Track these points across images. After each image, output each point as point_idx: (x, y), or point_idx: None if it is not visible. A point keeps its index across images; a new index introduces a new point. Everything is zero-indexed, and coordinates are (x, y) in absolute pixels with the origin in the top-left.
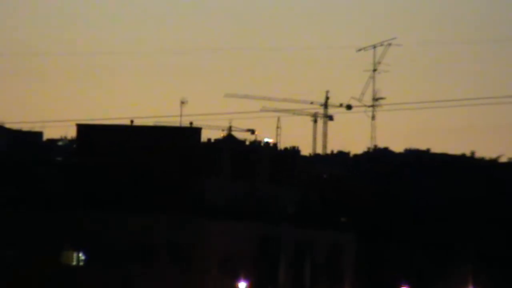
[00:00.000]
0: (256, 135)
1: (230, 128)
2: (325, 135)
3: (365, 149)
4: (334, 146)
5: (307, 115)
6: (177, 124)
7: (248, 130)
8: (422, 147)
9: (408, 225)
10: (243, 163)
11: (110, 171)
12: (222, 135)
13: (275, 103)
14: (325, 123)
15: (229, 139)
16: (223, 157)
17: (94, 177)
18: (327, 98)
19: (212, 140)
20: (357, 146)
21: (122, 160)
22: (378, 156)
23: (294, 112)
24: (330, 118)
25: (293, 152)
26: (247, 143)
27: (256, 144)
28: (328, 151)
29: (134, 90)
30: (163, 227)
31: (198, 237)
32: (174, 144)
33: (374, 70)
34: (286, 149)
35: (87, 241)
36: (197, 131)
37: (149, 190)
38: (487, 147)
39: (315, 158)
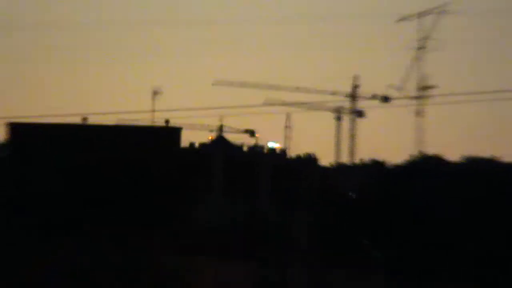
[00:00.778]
0: (257, 137)
1: (221, 129)
2: (352, 138)
3: (408, 158)
4: (364, 153)
5: (327, 110)
6: (149, 123)
7: (247, 132)
8: (486, 154)
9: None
10: (239, 176)
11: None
12: (210, 138)
13: (283, 94)
14: (352, 122)
15: (220, 143)
16: (212, 168)
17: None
18: (356, 87)
19: (197, 145)
20: (396, 153)
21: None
22: (426, 168)
23: (309, 106)
24: (360, 114)
25: (308, 161)
26: (245, 148)
27: (257, 150)
28: (357, 160)
29: (90, 79)
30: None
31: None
32: (143, 151)
33: (421, 47)
34: (298, 157)
35: None
36: (175, 132)
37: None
38: None
39: (339, 169)
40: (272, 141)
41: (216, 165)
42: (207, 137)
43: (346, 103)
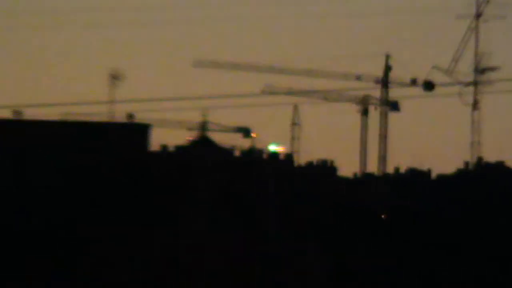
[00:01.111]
0: (253, 138)
1: (204, 126)
2: (383, 138)
3: (461, 166)
4: (401, 159)
5: (349, 101)
6: (106, 118)
7: (239, 130)
8: None
9: None
10: (230, 191)
11: None
12: (189, 138)
13: (288, 80)
14: (383, 116)
15: (204, 146)
16: (193, 179)
17: None
18: (388, 69)
19: (171, 149)
20: (444, 159)
21: None
22: (486, 178)
23: (324, 95)
24: (394, 106)
25: (323, 171)
26: (237, 153)
27: (254, 155)
28: (390, 170)
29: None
30: None
31: None
32: (95, 155)
33: (479, 15)
34: (310, 164)
35: None
36: (143, 130)
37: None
38: None
39: (366, 182)
40: (274, 143)
41: (196, 176)
42: (185, 137)
43: (375, 92)
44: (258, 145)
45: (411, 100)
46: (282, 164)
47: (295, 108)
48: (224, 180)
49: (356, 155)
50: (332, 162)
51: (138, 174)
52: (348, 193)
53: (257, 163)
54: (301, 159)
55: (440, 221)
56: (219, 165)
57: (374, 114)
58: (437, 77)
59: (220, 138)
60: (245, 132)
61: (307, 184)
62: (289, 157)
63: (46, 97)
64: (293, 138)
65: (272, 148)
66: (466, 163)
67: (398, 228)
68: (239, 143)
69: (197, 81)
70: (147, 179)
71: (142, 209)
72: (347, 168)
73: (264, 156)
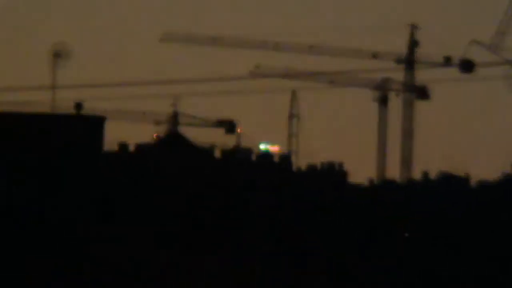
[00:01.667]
0: (239, 135)
1: (175, 119)
2: (407, 134)
3: (507, 169)
4: (431, 162)
5: (363, 86)
6: (46, 108)
7: (221, 124)
8: None
9: None
10: (206, 205)
11: None
12: (156, 135)
13: (283, 58)
14: (408, 106)
15: (174, 145)
16: (158, 188)
17: None
18: (414, 44)
19: (132, 148)
20: (487, 161)
21: None
22: None
23: (331, 79)
24: (422, 93)
25: (330, 177)
26: (217, 155)
27: (240, 156)
28: (417, 175)
29: None
30: None
31: None
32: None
33: None
34: (312, 168)
35: None
36: (95, 124)
37: None
38: None
39: (385, 191)
40: (265, 141)
41: (167, 181)
42: (152, 134)
43: (397, 74)
44: (246, 144)
45: (443, 84)
46: (276, 168)
47: (293, 95)
48: (198, 189)
49: (372, 156)
50: (341, 165)
51: (88, 181)
52: (362, 206)
53: (244, 167)
54: (302, 162)
55: (482, 239)
56: (193, 169)
57: (395, 103)
58: (477, 55)
59: (196, 135)
60: (228, 126)
61: (308, 193)
62: (285, 159)
63: None
64: (290, 135)
65: (263, 147)
66: None
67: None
68: (221, 140)
69: (166, 61)
70: (99, 186)
71: (93, 228)
72: (361, 173)
73: (253, 157)
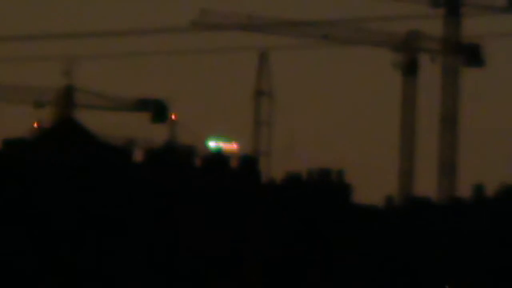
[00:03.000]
0: (173, 122)
1: (68, 97)
2: (448, 122)
3: None
4: (484, 169)
5: (376, 45)
6: None
7: (144, 105)
8: None
9: None
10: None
11: None
12: (36, 124)
13: (242, 2)
14: (450, 76)
15: (67, 139)
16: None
17: None
18: None
19: None
20: None
21: None
22: None
23: (322, 33)
24: (473, 56)
25: (327, 195)
26: (138, 156)
27: (175, 157)
28: (465, 191)
29: None
30: None
31: None
32: None
33: None
34: (293, 179)
35: None
36: None
37: None
38: None
39: (413, 217)
40: (216, 135)
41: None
42: (30, 122)
43: (431, 26)
44: (186, 139)
45: (506, 42)
46: (233, 178)
47: (263, 58)
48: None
49: (391, 159)
50: (341, 173)
51: None
52: (372, 239)
53: (183, 175)
54: (276, 168)
55: None
56: (99, 180)
57: (429, 72)
58: None
59: (104, 124)
60: (156, 109)
61: (285, 223)
62: (248, 163)
63: None
64: (257, 124)
65: (213, 144)
66: None
67: None
68: (144, 134)
69: (56, 6)
70: None
71: None
72: (373, 186)
73: (196, 161)
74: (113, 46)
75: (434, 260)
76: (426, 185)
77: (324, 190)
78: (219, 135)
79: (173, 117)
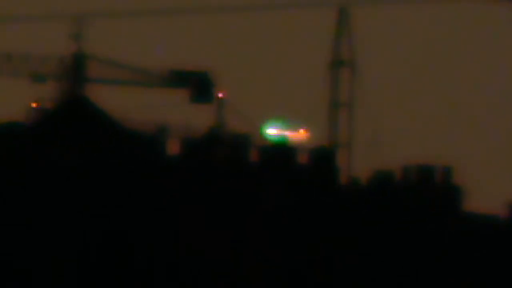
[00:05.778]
0: (220, 101)
1: (78, 69)
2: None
3: None
4: None
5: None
6: None
7: (179, 76)
8: None
9: None
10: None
11: None
12: (35, 105)
13: None
14: None
15: (76, 125)
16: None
17: None
18: None
19: None
20: None
21: None
22: None
23: None
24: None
25: (435, 191)
26: (174, 148)
27: (223, 148)
28: None
29: None
30: None
31: None
32: None
33: None
34: (386, 178)
35: None
36: None
37: None
38: None
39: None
40: (277, 120)
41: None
42: (27, 101)
43: None
44: (237, 125)
45: None
46: (303, 178)
47: (342, 14)
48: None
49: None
50: (447, 172)
51: None
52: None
53: (233, 173)
54: (359, 165)
55: None
56: (119, 174)
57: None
58: None
59: (122, 104)
60: (197, 85)
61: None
62: (323, 157)
63: None
64: (334, 106)
65: (273, 132)
66: None
67: None
68: (182, 117)
69: None
70: None
71: None
72: (489, 192)
73: (252, 153)
74: (138, 0)
75: None
76: None
77: (426, 193)
78: (281, 120)
79: (220, 95)
